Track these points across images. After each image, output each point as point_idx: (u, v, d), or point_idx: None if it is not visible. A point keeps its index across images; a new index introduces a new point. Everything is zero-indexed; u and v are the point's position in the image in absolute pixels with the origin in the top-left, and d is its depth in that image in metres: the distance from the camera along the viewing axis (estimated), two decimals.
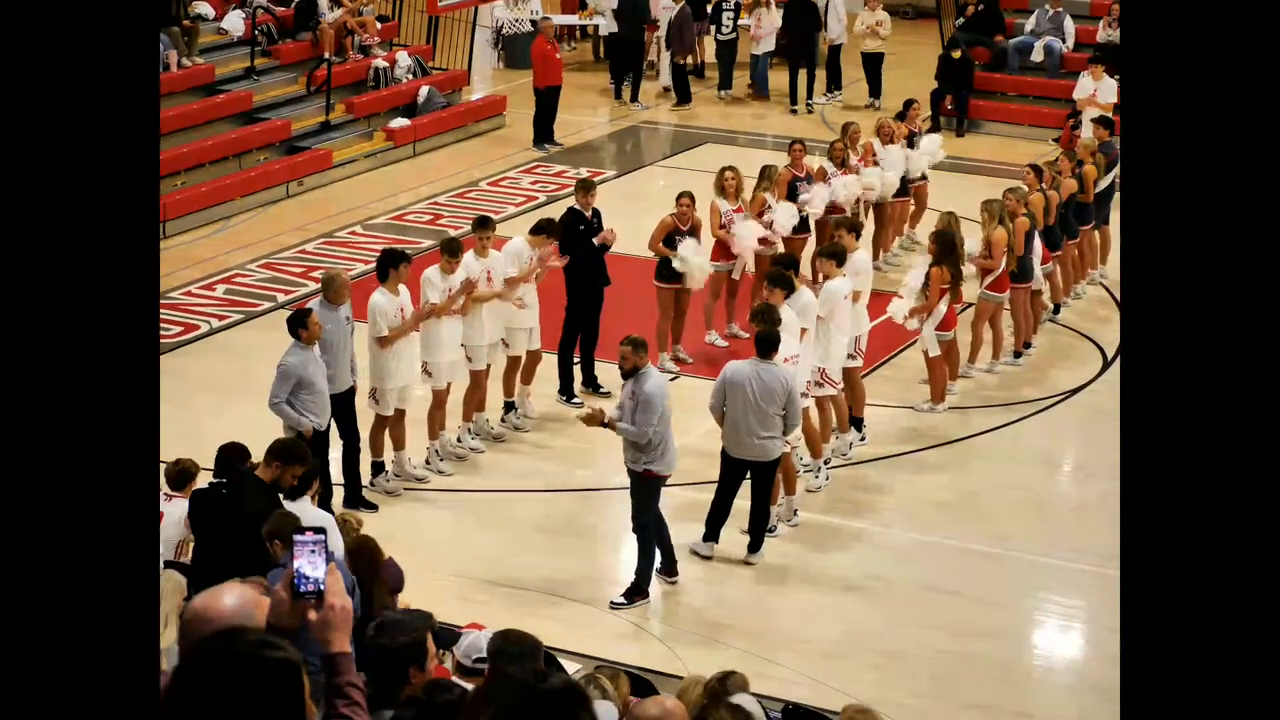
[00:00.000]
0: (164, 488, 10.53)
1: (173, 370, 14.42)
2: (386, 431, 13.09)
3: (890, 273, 17.37)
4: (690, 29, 25.37)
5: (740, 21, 25.70)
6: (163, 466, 10.60)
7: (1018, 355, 15.89)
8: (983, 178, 20.66)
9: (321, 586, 3.92)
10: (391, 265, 12.81)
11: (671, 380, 14.63)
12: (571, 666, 9.27)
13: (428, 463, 13.50)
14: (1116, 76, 21.29)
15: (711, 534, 12.19)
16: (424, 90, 23.30)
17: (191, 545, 10.22)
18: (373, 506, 12.76)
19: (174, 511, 10.26)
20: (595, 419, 11.61)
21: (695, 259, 15.04)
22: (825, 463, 13.43)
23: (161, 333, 15.55)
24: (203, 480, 10.41)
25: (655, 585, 11.75)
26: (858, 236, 14.80)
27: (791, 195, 16.47)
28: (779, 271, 12.86)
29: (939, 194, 18.52)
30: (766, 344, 11.73)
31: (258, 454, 10.24)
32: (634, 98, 25.42)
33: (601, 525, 12.72)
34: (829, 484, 13.38)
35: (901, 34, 27.33)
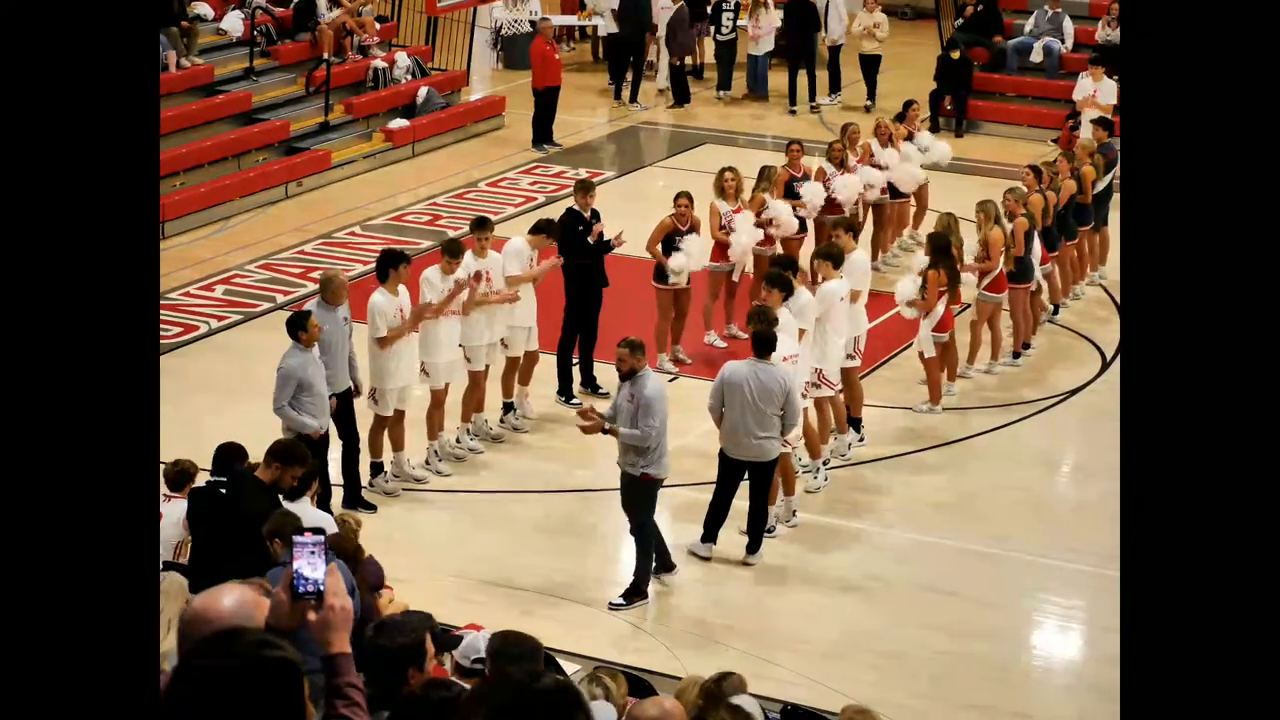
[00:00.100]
0: (163, 488, 10.53)
1: (172, 370, 14.41)
2: (385, 432, 13.09)
3: (889, 273, 17.37)
4: (687, 29, 25.36)
5: (740, 22, 25.70)
6: (162, 467, 10.60)
7: (1017, 356, 15.89)
8: (982, 178, 20.65)
9: (321, 587, 3.92)
10: (391, 266, 12.82)
11: (670, 381, 14.65)
12: (570, 667, 9.28)
13: (427, 463, 13.50)
14: (1116, 78, 21.29)
15: (710, 535, 12.19)
16: (423, 91, 23.29)
17: (189, 545, 10.22)
18: (371, 507, 12.76)
19: (173, 512, 10.25)
20: (595, 428, 11.60)
21: (695, 248, 15.05)
22: (824, 463, 13.43)
23: (161, 333, 15.54)
24: (202, 481, 10.41)
25: (654, 586, 11.75)
26: (856, 237, 14.80)
27: (789, 195, 16.49)
28: (777, 273, 12.86)
29: (938, 194, 18.53)
30: (763, 344, 11.74)
31: (256, 454, 10.24)
32: (633, 98, 25.42)
33: (601, 526, 12.72)
34: (828, 485, 13.38)
35: (900, 34, 27.33)
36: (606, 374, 13.92)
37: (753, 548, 12.19)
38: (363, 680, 4.08)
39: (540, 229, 14.17)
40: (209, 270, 17.99)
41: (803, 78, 25.07)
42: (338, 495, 12.46)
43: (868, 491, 13.51)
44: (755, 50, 25.51)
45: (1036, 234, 15.75)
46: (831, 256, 13.51)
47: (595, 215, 14.75)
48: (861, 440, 14.06)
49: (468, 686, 6.08)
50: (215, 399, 14.46)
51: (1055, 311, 16.91)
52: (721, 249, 15.72)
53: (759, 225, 15.81)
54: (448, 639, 7.39)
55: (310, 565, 3.92)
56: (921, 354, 14.66)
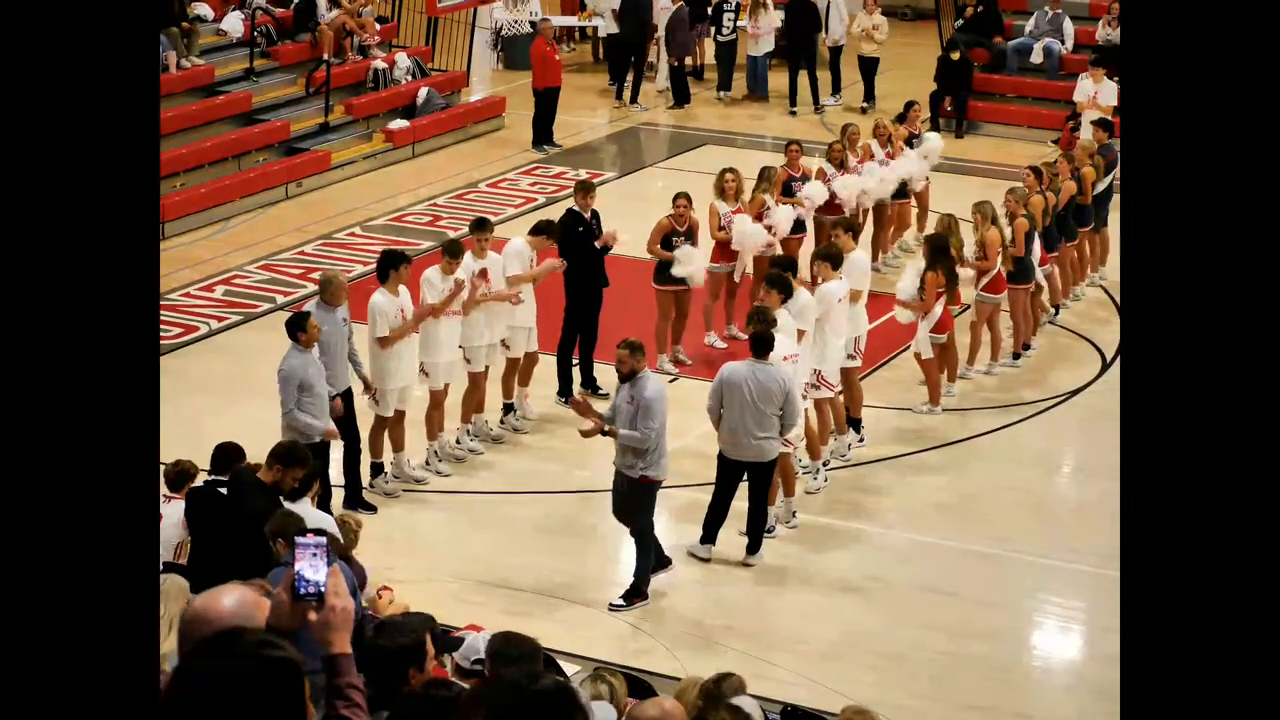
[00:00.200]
0: (163, 489, 10.53)
1: (172, 371, 14.42)
2: (386, 433, 13.10)
3: (889, 274, 17.37)
4: (685, 30, 25.37)
5: (740, 23, 25.70)
6: (162, 468, 10.61)
7: (1017, 357, 15.90)
8: (982, 179, 20.66)
9: (322, 589, 3.93)
10: (392, 266, 12.82)
11: (670, 382, 14.65)
12: (570, 668, 9.28)
13: (427, 464, 13.50)
14: (1116, 79, 21.28)
15: (709, 536, 12.19)
16: (423, 91, 23.29)
17: (189, 546, 10.23)
18: (372, 508, 12.76)
19: (172, 513, 10.26)
20: (595, 430, 11.60)
21: (695, 257, 15.05)
22: (824, 464, 13.43)
23: (161, 334, 15.55)
24: (201, 481, 10.41)
25: (654, 587, 11.75)
26: (856, 237, 14.80)
27: (786, 195, 16.50)
28: (777, 274, 12.86)
29: (938, 195, 18.53)
30: (762, 344, 11.73)
31: (256, 454, 10.25)
32: (633, 99, 25.42)
33: (601, 526, 12.71)
34: (828, 486, 13.39)
35: (900, 35, 27.33)
36: (606, 375, 13.92)
37: (752, 548, 12.20)
38: (363, 681, 4.08)
39: (540, 230, 14.18)
40: (209, 271, 17.99)
41: (803, 78, 25.06)
42: (338, 496, 12.46)
43: (868, 492, 13.51)
44: (755, 51, 25.51)
45: (1037, 235, 15.75)
46: (830, 257, 13.51)
47: (595, 216, 14.75)
48: (861, 441, 14.07)
49: (467, 687, 6.09)
50: (215, 399, 14.46)
51: (1055, 312, 16.92)
52: (722, 249, 15.73)
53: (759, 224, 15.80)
54: (448, 640, 7.39)
55: (312, 566, 3.92)
56: (919, 355, 14.66)
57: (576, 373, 14.88)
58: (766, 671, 10.63)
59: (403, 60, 23.58)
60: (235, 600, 3.97)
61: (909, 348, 14.98)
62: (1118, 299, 17.25)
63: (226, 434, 10.63)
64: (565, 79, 23.58)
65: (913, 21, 30.16)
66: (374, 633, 5.94)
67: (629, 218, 16.07)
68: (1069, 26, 24.67)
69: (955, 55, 23.95)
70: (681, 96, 25.42)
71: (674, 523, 12.61)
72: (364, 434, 12.89)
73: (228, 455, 10.20)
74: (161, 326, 15.61)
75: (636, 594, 11.62)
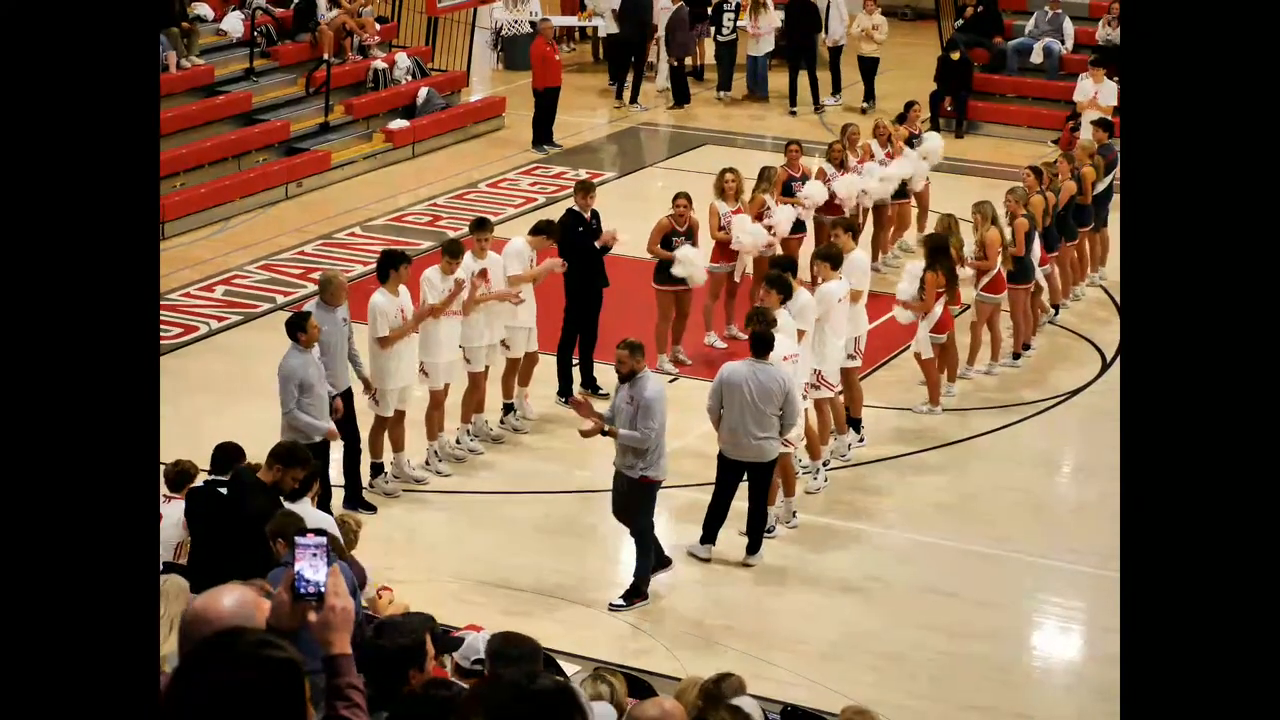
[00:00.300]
0: (163, 489, 10.53)
1: (172, 371, 14.42)
2: (386, 433, 13.10)
3: (889, 274, 17.36)
4: (685, 30, 25.37)
5: (740, 23, 25.70)
6: (162, 468, 10.61)
7: (1017, 357, 15.90)
8: (982, 179, 20.66)
9: (322, 589, 3.93)
10: (392, 266, 12.83)
11: (670, 382, 14.65)
12: (570, 668, 9.28)
13: (426, 464, 13.50)
14: (1116, 79, 21.28)
15: (709, 536, 12.19)
16: (423, 91, 23.29)
17: (189, 546, 10.23)
18: (371, 508, 12.76)
19: (172, 513, 10.26)
20: (594, 430, 11.60)
21: (694, 257, 15.05)
22: (824, 464, 13.43)
23: (161, 334, 15.54)
24: (200, 481, 10.41)
25: (654, 587, 11.75)
26: (856, 237, 14.80)
27: (786, 195, 16.50)
28: (776, 274, 12.86)
29: (938, 195, 18.53)
30: (761, 343, 11.73)
31: (256, 454, 10.25)
32: (633, 99, 25.42)
33: (601, 526, 12.71)
34: (827, 485, 13.39)
35: (900, 35, 27.32)
36: (606, 375, 13.92)
37: (752, 549, 12.20)
38: (363, 681, 4.08)
39: (540, 230, 14.18)
40: (209, 271, 17.99)
41: (804, 78, 25.05)
42: (338, 496, 12.46)
43: (868, 492, 13.51)
44: (755, 51, 25.51)
45: (1037, 235, 15.75)
46: (830, 258, 13.51)
47: (595, 216, 14.75)
48: (861, 441, 14.07)
49: (466, 687, 6.09)
50: (215, 399, 14.46)
51: (1055, 312, 16.91)
52: (721, 250, 15.73)
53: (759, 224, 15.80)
54: (449, 641, 7.39)
55: (312, 567, 3.93)
56: (918, 355, 14.67)
57: (576, 373, 14.88)
58: (766, 672, 10.63)
59: (403, 60, 23.58)
60: (235, 600, 3.97)
61: (909, 348, 14.98)
62: (1117, 299, 17.25)
63: (226, 434, 10.63)
64: (565, 79, 23.58)
65: (913, 21, 30.16)
66: (374, 633, 5.94)
67: (629, 218, 16.07)
68: (1069, 26, 24.67)
69: (955, 55, 23.94)
70: (681, 96, 25.43)
71: (674, 523, 12.61)
72: (364, 434, 12.89)
73: (227, 455, 10.20)
74: (161, 326, 15.61)
75: (636, 594, 11.62)
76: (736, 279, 15.95)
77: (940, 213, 15.93)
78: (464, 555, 12.36)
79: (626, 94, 25.48)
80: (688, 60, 26.01)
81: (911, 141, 18.30)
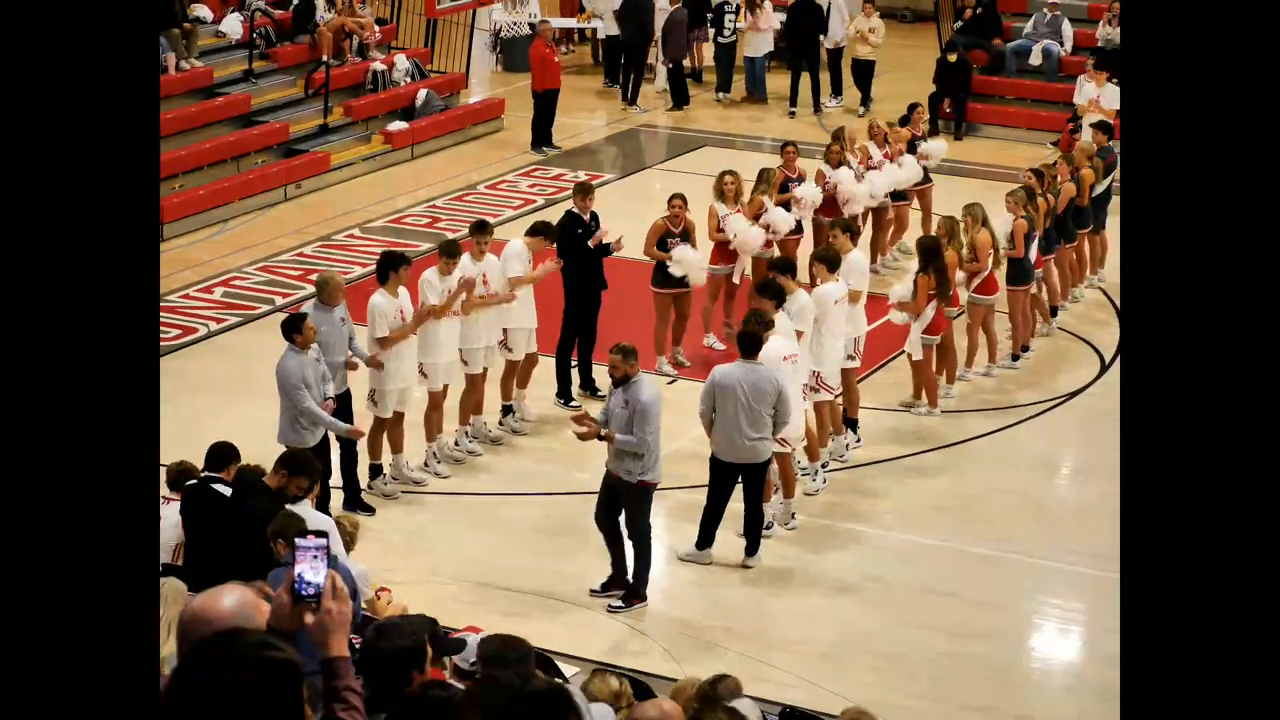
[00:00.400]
0: (163, 490, 10.53)
1: (171, 372, 14.41)
2: (384, 434, 13.10)
3: (888, 276, 17.36)
4: (682, 32, 25.36)
5: (739, 25, 25.69)
6: (163, 469, 10.61)
7: (1015, 359, 15.90)
8: (981, 181, 20.66)
9: (322, 590, 3.93)
10: (391, 267, 12.83)
11: (669, 384, 14.65)
12: (569, 669, 9.27)
13: (425, 465, 13.50)
14: (1116, 81, 21.28)
15: (706, 540, 12.18)
16: (422, 93, 23.29)
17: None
18: (370, 509, 12.76)
19: (172, 514, 10.25)
20: (591, 434, 11.58)
21: (691, 257, 15.05)
22: (822, 466, 13.43)
23: (160, 335, 15.54)
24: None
25: (653, 589, 11.75)
26: (854, 238, 14.79)
27: (783, 193, 16.50)
28: (767, 280, 12.84)
29: (937, 196, 18.52)
30: (750, 343, 11.72)
31: (255, 454, 10.26)
32: (633, 100, 25.42)
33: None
34: (826, 487, 13.38)
35: (899, 37, 27.32)
36: (605, 377, 13.92)
37: (751, 550, 12.19)
38: (360, 683, 4.08)
39: (538, 231, 14.18)
40: (208, 272, 18.00)
41: (805, 80, 25.03)
42: (337, 497, 12.46)
43: (866, 494, 13.51)
44: (753, 52, 25.50)
45: (1035, 236, 15.75)
46: (827, 260, 13.51)
47: (594, 218, 14.75)
48: (859, 442, 14.06)
49: (463, 689, 6.08)
50: (215, 399, 14.47)
51: (1054, 313, 16.90)
52: (721, 251, 15.73)
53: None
54: (451, 643, 7.38)
55: (312, 569, 3.92)
56: (910, 356, 14.68)
57: (575, 374, 14.87)
58: (765, 673, 10.64)
59: (402, 62, 23.58)
60: (235, 601, 3.97)
61: (905, 350, 14.98)
62: (1116, 301, 17.25)
63: (226, 434, 10.62)
64: (564, 81, 23.59)
65: (911, 23, 30.16)
66: (374, 635, 5.93)
67: (628, 219, 16.07)
68: (1068, 28, 24.67)
69: (953, 57, 23.93)
70: (680, 98, 25.42)
71: (673, 524, 12.60)
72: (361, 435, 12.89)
73: (223, 454, 10.20)
74: (161, 328, 15.61)
75: (635, 595, 11.62)
76: (735, 280, 15.95)
77: (941, 215, 15.92)
78: (463, 556, 12.35)
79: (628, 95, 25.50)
80: (686, 62, 26.00)
81: (914, 144, 18.27)
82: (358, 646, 5.62)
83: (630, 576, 11.67)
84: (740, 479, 11.97)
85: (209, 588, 4.07)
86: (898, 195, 17.98)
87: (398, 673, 5.69)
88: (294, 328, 11.73)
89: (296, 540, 3.97)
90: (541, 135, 23.04)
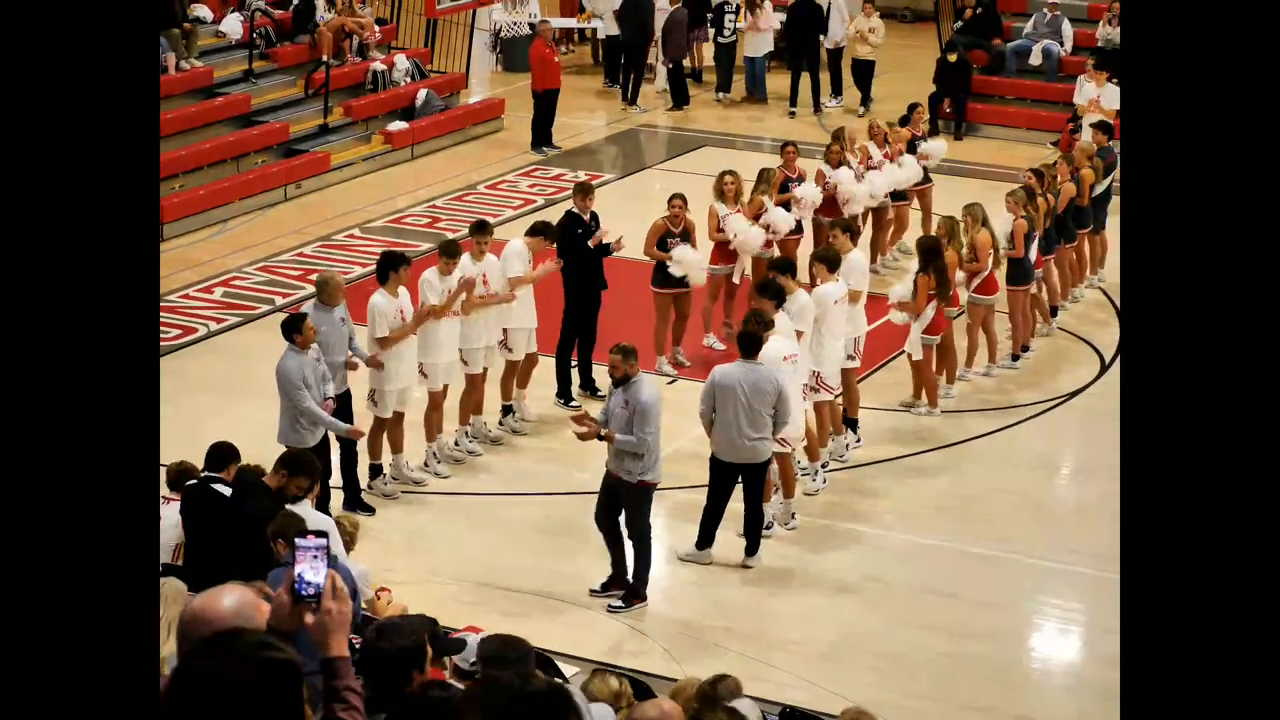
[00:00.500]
0: (164, 490, 10.53)
1: (171, 372, 14.41)
2: (384, 434, 13.10)
3: (888, 276, 17.36)
4: (681, 32, 25.36)
5: (739, 25, 25.69)
6: (163, 469, 10.61)
7: (1015, 359, 15.90)
8: (981, 181, 20.65)
9: (322, 590, 3.92)
10: (391, 267, 12.83)
11: (669, 384, 14.65)
12: (569, 669, 9.27)
13: (425, 465, 13.50)
14: (1116, 81, 21.28)
15: (706, 540, 12.17)
16: (422, 93, 23.29)
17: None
18: (370, 509, 12.76)
19: (172, 514, 10.26)
20: (591, 434, 11.58)
21: (691, 256, 15.05)
22: (822, 466, 13.43)
23: (160, 335, 15.54)
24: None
25: (653, 589, 11.75)
26: (854, 238, 14.79)
27: (783, 193, 16.50)
28: (766, 281, 12.84)
29: (937, 196, 18.52)
30: (750, 343, 11.72)
31: (255, 454, 10.25)
32: (633, 100, 25.42)
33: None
34: (826, 487, 13.39)
35: (899, 37, 27.32)
36: (605, 377, 13.92)
37: (751, 550, 12.19)
38: (360, 684, 4.08)
39: (537, 231, 14.19)
40: (208, 272, 18.00)
41: (805, 80, 25.03)
42: (337, 497, 12.46)
43: (866, 494, 13.51)
44: (753, 52, 25.50)
45: (1036, 236, 15.75)
46: (827, 260, 13.51)
47: (594, 218, 14.75)
48: (859, 442, 14.06)
49: (463, 688, 6.08)
50: (215, 399, 14.47)
51: (1054, 314, 16.91)
52: (721, 251, 15.73)
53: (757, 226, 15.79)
54: (452, 643, 7.37)
55: (312, 569, 3.92)
56: (910, 356, 14.68)
57: (575, 374, 14.87)
58: (765, 673, 10.64)
59: (402, 62, 23.58)
60: (235, 600, 3.97)
61: (904, 350, 14.98)
62: (1116, 301, 17.25)
63: (226, 434, 10.62)
64: (564, 81, 23.59)
65: (911, 23, 30.16)
66: (374, 635, 5.93)
67: (628, 219, 16.07)
68: (1068, 28, 24.67)
69: (953, 57, 23.93)
70: (680, 98, 25.42)
71: (672, 524, 12.60)
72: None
73: (223, 454, 10.20)
74: (161, 328, 15.61)
75: (635, 595, 11.62)
76: (735, 280, 15.94)
77: (942, 215, 15.92)
78: (463, 556, 12.35)
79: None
80: (686, 62, 26.00)
81: (914, 144, 18.26)
82: (358, 646, 5.62)
83: (630, 576, 11.67)
84: (740, 479, 11.97)
85: (209, 588, 4.07)
86: (898, 195, 17.98)
87: (398, 673, 5.69)
88: (294, 328, 11.73)
89: (296, 540, 3.96)
90: (541, 135, 23.05)
